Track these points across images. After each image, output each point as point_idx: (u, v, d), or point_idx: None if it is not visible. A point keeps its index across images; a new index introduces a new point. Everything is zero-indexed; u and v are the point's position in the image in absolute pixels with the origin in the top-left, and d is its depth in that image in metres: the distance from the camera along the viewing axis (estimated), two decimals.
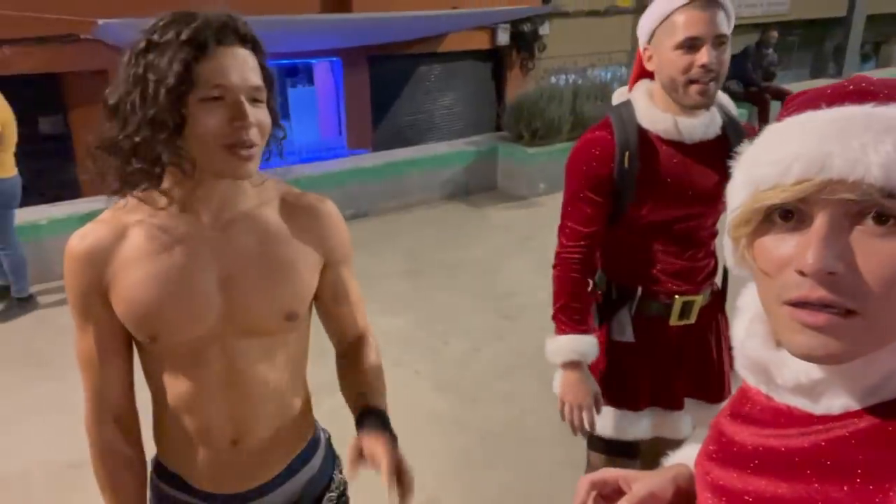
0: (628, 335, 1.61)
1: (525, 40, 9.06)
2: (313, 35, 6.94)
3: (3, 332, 3.90)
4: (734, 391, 0.72)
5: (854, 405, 0.57)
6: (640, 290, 1.59)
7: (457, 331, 3.81)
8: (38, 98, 6.08)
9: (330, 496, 1.25)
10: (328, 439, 1.31)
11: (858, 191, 0.50)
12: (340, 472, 1.30)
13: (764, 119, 7.87)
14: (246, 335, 1.07)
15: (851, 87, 0.56)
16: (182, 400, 1.08)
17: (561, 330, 1.57)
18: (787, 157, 0.54)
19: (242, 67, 0.95)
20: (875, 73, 6.30)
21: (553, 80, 7.44)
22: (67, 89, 6.34)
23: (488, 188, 6.49)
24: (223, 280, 1.04)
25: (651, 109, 1.49)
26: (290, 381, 1.16)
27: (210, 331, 1.04)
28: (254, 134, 0.95)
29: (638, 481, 0.80)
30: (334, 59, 8.13)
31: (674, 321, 1.59)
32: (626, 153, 1.48)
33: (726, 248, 0.64)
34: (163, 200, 1.00)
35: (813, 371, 0.58)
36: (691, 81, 1.40)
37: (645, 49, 1.49)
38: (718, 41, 1.38)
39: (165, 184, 0.99)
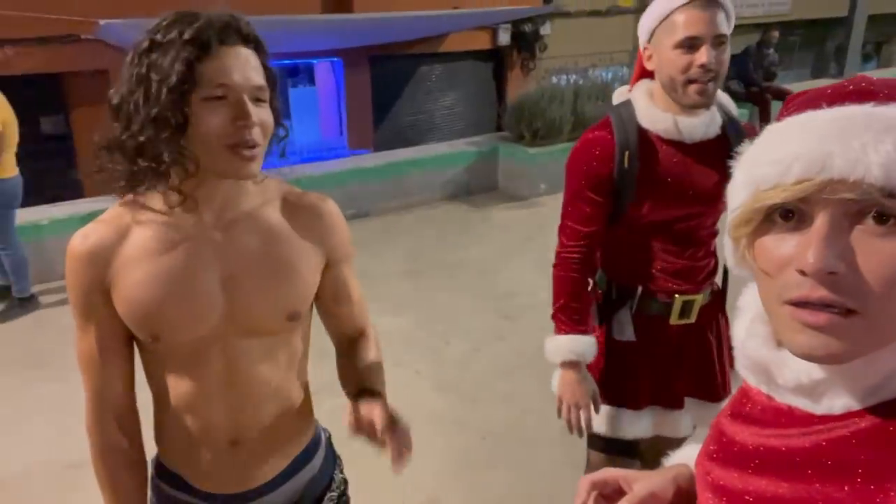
0: (628, 334, 1.61)
1: (526, 40, 9.07)
2: (314, 35, 6.94)
3: (4, 333, 3.91)
4: (734, 390, 0.72)
5: (855, 405, 0.57)
6: (640, 289, 1.59)
7: (457, 331, 3.81)
8: (39, 98, 6.09)
9: (331, 496, 1.25)
10: (328, 439, 1.31)
11: (859, 190, 0.50)
12: (341, 472, 1.30)
13: (765, 119, 7.86)
14: (248, 335, 1.07)
15: (852, 86, 0.56)
16: (183, 400, 1.08)
17: (560, 329, 1.57)
18: (787, 157, 0.54)
19: (245, 67, 0.95)
20: (876, 73, 6.29)
21: (554, 80, 7.43)
22: (69, 89, 6.35)
23: (489, 188, 6.49)
24: (225, 280, 1.04)
25: (651, 109, 1.50)
26: (290, 381, 1.16)
27: (212, 331, 1.04)
28: (256, 134, 0.96)
29: (639, 481, 0.80)
30: (335, 59, 8.14)
31: (674, 320, 1.59)
32: (626, 153, 1.48)
33: (727, 248, 0.64)
34: (165, 200, 1.00)
35: (814, 371, 0.58)
36: (690, 81, 1.40)
37: (645, 48, 1.49)
38: (718, 41, 1.38)
39: (169, 183, 0.99)
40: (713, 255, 1.64)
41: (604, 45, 9.58)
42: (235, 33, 0.95)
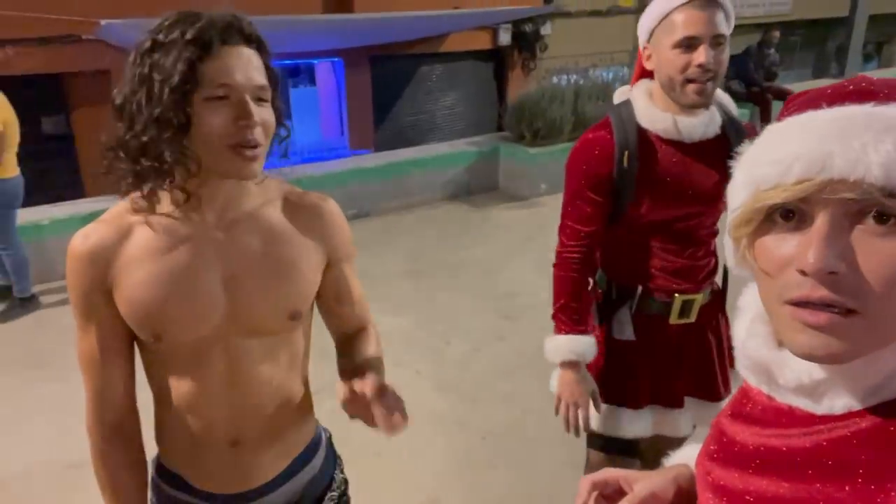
0: (628, 334, 1.62)
1: (527, 40, 9.07)
2: (315, 35, 6.94)
3: (5, 333, 3.91)
4: (734, 390, 0.72)
5: (856, 405, 0.57)
6: (640, 288, 1.59)
7: (458, 331, 3.81)
8: (40, 98, 6.09)
9: (331, 496, 1.25)
10: (329, 439, 1.31)
11: (859, 190, 0.50)
12: (342, 472, 1.30)
13: (766, 119, 7.86)
14: (249, 335, 1.07)
15: (852, 86, 0.56)
16: (184, 400, 1.08)
17: (560, 329, 1.57)
18: (787, 157, 0.54)
19: (247, 67, 0.95)
20: (877, 73, 6.29)
21: (555, 80, 7.42)
22: (70, 89, 6.35)
23: (490, 188, 6.49)
24: (227, 280, 1.04)
25: (650, 109, 1.50)
26: (291, 381, 1.16)
27: (214, 330, 1.04)
28: (258, 134, 0.96)
29: (639, 481, 0.80)
30: (336, 59, 8.14)
31: (673, 320, 1.59)
32: (626, 153, 1.48)
33: (727, 248, 0.64)
34: (167, 200, 1.00)
35: (815, 371, 0.58)
36: (688, 81, 1.40)
37: (644, 48, 1.49)
38: (716, 41, 1.38)
39: (171, 183, 0.99)
40: (713, 254, 1.64)
41: (604, 45, 9.58)
42: (237, 33, 0.96)
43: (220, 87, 0.93)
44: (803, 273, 0.52)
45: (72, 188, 5.92)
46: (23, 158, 3.96)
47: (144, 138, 0.93)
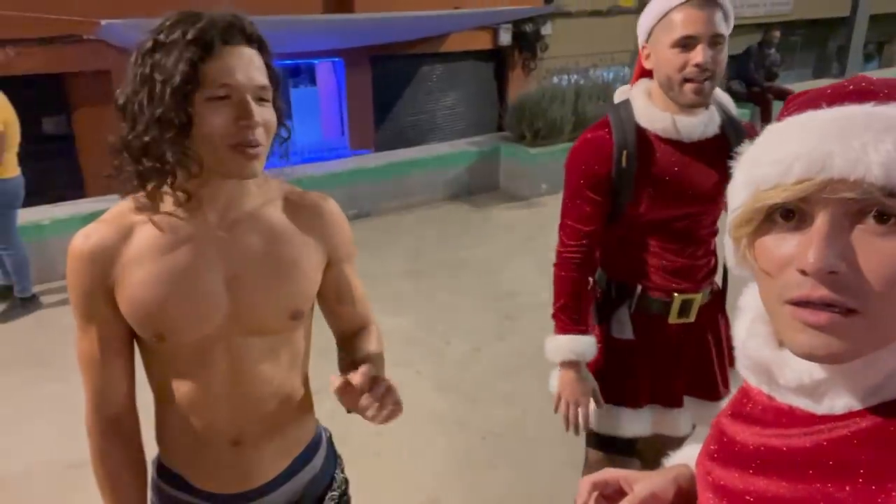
0: (627, 333, 1.62)
1: (527, 40, 9.06)
2: (315, 35, 6.94)
3: (6, 333, 3.91)
4: (734, 389, 0.72)
5: (856, 405, 0.57)
6: (639, 287, 1.59)
7: (458, 331, 3.81)
8: (40, 98, 6.09)
9: (332, 495, 1.25)
10: (329, 438, 1.31)
11: (859, 190, 0.50)
12: (342, 472, 1.31)
13: (766, 119, 7.85)
14: (251, 334, 1.07)
15: (851, 86, 0.56)
16: (186, 399, 1.08)
17: (560, 329, 1.58)
18: (787, 157, 0.54)
19: (248, 67, 0.95)
20: (878, 73, 6.28)
21: (555, 80, 7.42)
22: (70, 90, 6.35)
23: (490, 188, 6.49)
24: (229, 280, 1.04)
25: (649, 108, 1.50)
26: (292, 380, 1.16)
27: (216, 330, 1.04)
28: (259, 133, 0.96)
29: (639, 482, 0.81)
30: (336, 59, 8.14)
31: (673, 319, 1.59)
32: (624, 152, 1.48)
33: (727, 248, 0.64)
34: (169, 200, 1.00)
35: (815, 371, 0.58)
36: (686, 80, 1.40)
37: (643, 47, 1.49)
38: (714, 41, 1.38)
39: (173, 183, 0.99)
40: (713, 253, 1.64)
41: (605, 45, 9.57)
42: (239, 33, 0.96)
43: (221, 87, 0.93)
44: (804, 273, 0.52)
45: (72, 188, 5.93)
46: (23, 158, 3.96)
47: (146, 138, 0.93)
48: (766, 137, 0.59)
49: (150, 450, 1.18)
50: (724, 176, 0.64)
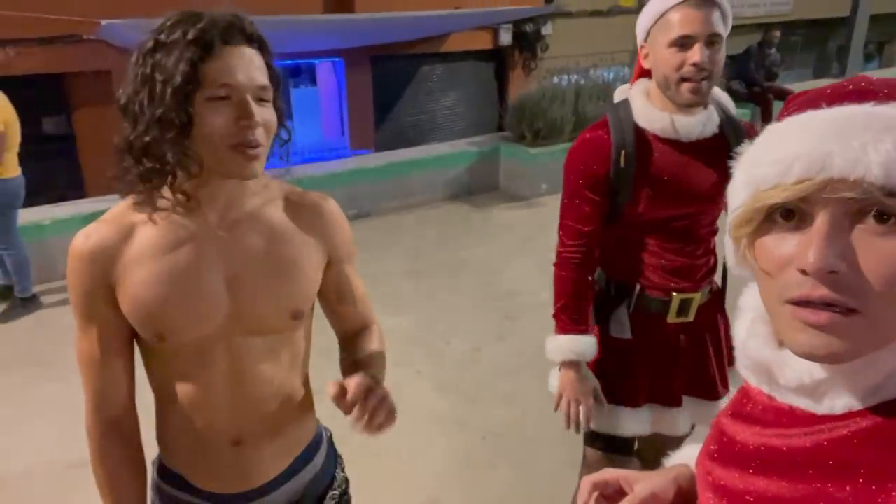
0: (626, 332, 1.62)
1: (527, 40, 9.06)
2: (316, 35, 6.94)
3: (6, 333, 3.91)
4: (733, 389, 0.72)
5: (856, 405, 0.57)
6: (638, 287, 1.59)
7: (458, 331, 3.81)
8: (41, 98, 6.09)
9: (332, 495, 1.26)
10: (330, 437, 1.32)
11: (859, 189, 0.51)
12: (343, 471, 1.31)
13: (766, 119, 7.85)
14: (252, 334, 1.07)
15: (851, 86, 0.56)
16: (187, 399, 1.08)
17: (561, 329, 1.58)
18: (787, 157, 0.54)
19: (249, 67, 0.95)
20: (878, 73, 6.28)
21: (555, 80, 7.41)
22: (71, 90, 6.35)
23: (491, 188, 6.49)
24: (230, 279, 1.04)
25: (648, 108, 1.50)
26: (293, 380, 1.16)
27: (217, 330, 1.04)
28: (259, 134, 0.96)
29: (639, 482, 0.81)
30: (337, 59, 8.14)
31: (671, 318, 1.59)
32: (623, 152, 1.48)
33: (727, 248, 0.64)
34: (169, 200, 1.00)
35: (816, 371, 0.58)
36: (683, 79, 1.40)
37: (642, 47, 1.49)
38: (711, 40, 1.38)
39: (174, 183, 0.99)
40: (712, 253, 1.64)
41: (605, 45, 9.57)
42: (239, 33, 0.96)
43: (221, 87, 0.93)
44: (804, 272, 0.52)
45: (73, 188, 5.93)
46: (24, 158, 3.96)
47: (147, 138, 0.93)
48: (766, 137, 0.59)
49: (151, 450, 1.18)
50: (723, 175, 0.64)
